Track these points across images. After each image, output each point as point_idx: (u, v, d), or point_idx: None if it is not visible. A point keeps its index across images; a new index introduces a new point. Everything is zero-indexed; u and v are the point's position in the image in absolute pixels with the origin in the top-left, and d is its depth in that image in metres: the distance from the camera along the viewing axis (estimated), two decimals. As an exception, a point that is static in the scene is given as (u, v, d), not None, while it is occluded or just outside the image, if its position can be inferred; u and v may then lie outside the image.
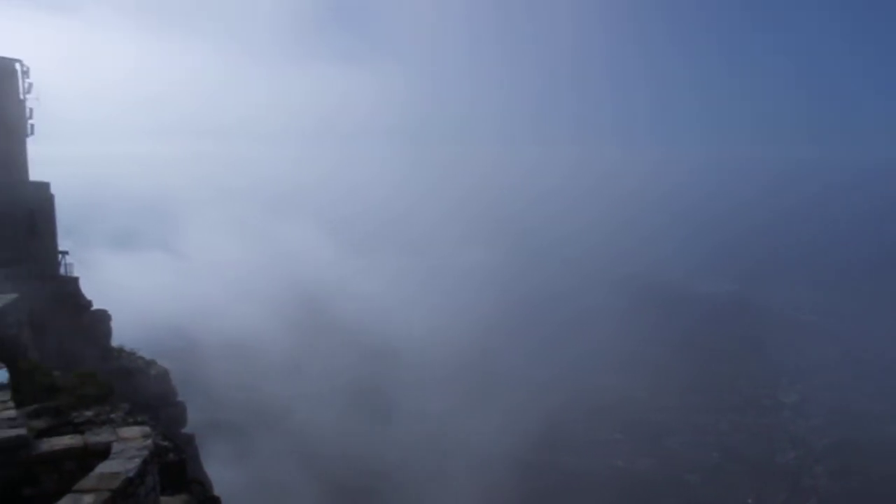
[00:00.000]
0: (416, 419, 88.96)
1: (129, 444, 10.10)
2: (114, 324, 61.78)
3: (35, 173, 57.96)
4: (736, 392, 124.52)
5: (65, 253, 60.22)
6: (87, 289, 60.61)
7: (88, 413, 14.59)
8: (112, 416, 14.50)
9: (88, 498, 8.40)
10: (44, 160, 60.37)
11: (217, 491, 21.58)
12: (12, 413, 11.17)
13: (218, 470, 48.97)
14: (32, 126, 57.55)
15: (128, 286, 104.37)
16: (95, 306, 60.49)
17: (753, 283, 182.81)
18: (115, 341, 59.49)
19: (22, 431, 10.36)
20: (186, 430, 51.66)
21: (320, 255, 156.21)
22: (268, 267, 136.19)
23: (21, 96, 56.98)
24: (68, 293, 55.19)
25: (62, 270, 58.49)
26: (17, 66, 56.80)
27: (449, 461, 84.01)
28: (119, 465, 9.37)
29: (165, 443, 13.66)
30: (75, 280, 59.38)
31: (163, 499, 10.69)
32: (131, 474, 9.11)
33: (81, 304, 57.81)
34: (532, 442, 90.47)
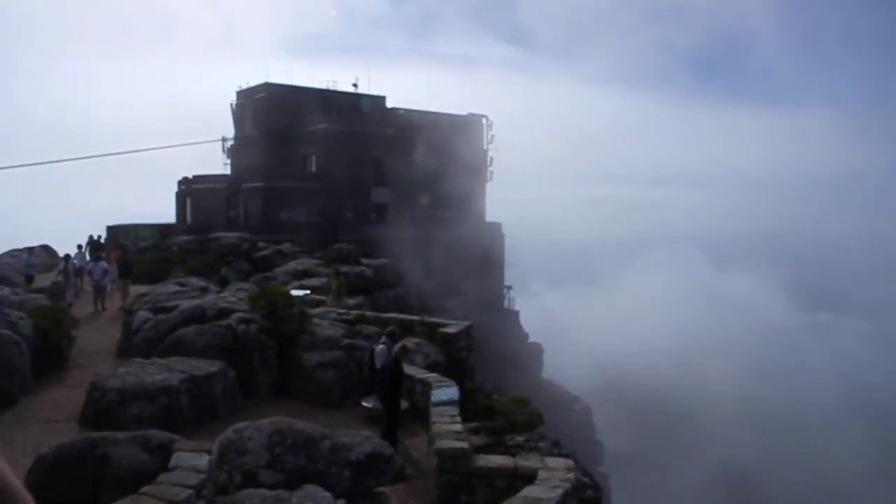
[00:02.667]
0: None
1: (553, 474, 10.65)
2: (545, 357, 65.87)
3: (490, 214, 65.08)
4: None
5: (509, 287, 66.29)
6: (525, 322, 65.75)
7: (519, 438, 15.79)
8: (540, 444, 15.52)
9: (515, 516, 9.07)
10: (497, 202, 66.93)
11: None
12: (458, 427, 12.56)
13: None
14: (491, 172, 64.87)
15: (563, 323, 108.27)
16: (531, 339, 65.36)
17: None
18: (545, 373, 63.37)
19: (465, 445, 11.60)
20: (602, 469, 52.54)
21: (768, 308, 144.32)
22: (706, 315, 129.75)
23: (484, 146, 64.66)
24: (510, 324, 60.50)
25: (506, 303, 64.44)
26: (483, 120, 64.66)
27: None
28: (543, 492, 9.89)
29: (585, 479, 14.18)
30: (516, 313, 64.95)
31: (578, 532, 11.03)
32: (553, 502, 9.58)
33: (520, 336, 62.92)
34: None
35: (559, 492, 9.92)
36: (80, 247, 32.26)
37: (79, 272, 28.95)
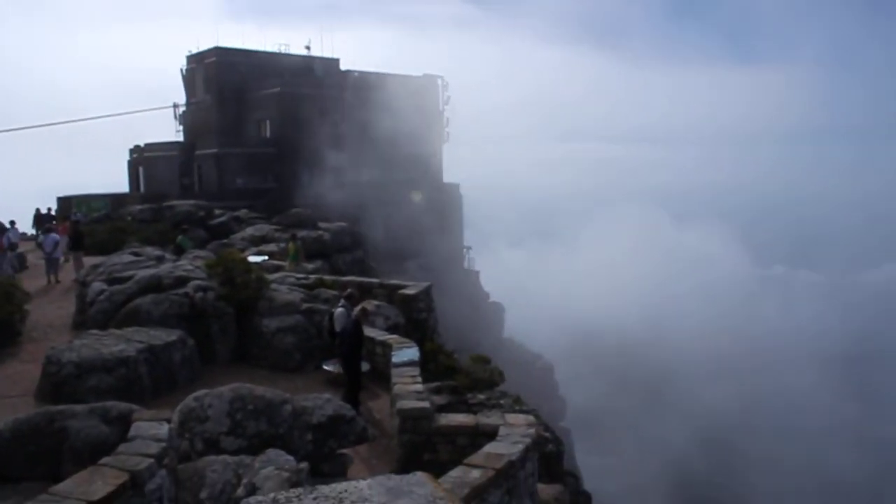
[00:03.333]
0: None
1: (514, 430, 10.80)
2: (507, 316, 66.47)
3: (448, 174, 64.90)
4: None
5: (468, 248, 66.49)
6: (486, 281, 66.14)
7: (481, 396, 16.00)
8: (501, 401, 15.75)
9: (476, 472, 9.18)
10: (455, 162, 66.83)
11: (586, 486, 22.13)
12: (419, 387, 12.68)
13: (588, 466, 49.65)
14: (448, 133, 64.57)
15: (524, 281, 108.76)
16: (492, 299, 65.83)
17: None
18: (507, 332, 64.00)
19: (426, 404, 11.72)
20: (564, 424, 53.50)
21: (725, 261, 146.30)
22: (665, 269, 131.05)
23: (440, 107, 64.25)
24: (470, 285, 60.83)
25: (465, 264, 64.68)
26: (439, 81, 64.15)
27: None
28: (504, 448, 10.03)
29: (546, 434, 14.46)
30: (476, 273, 65.24)
31: (539, 486, 11.25)
32: (514, 457, 9.72)
33: (480, 295, 63.33)
34: None
35: (520, 447, 10.08)
36: (12, 223, 31.36)
37: (12, 247, 28.27)
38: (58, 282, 25.31)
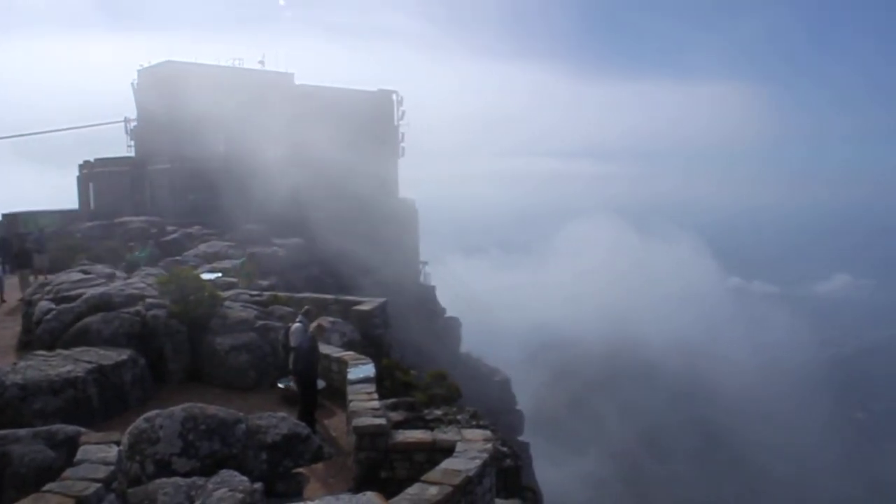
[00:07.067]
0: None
1: (471, 445, 10.77)
2: (463, 331, 66.36)
3: (402, 191, 64.81)
4: None
5: (424, 263, 66.32)
6: (442, 297, 65.99)
7: (438, 412, 15.92)
8: (458, 417, 15.70)
9: (433, 489, 9.12)
10: (410, 179, 66.78)
11: (545, 500, 22.14)
12: (376, 404, 12.58)
13: (547, 478, 49.72)
14: (403, 149, 64.49)
15: (481, 296, 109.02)
16: (448, 314, 65.69)
17: None
18: (464, 347, 63.89)
19: (383, 421, 11.63)
20: (522, 438, 53.48)
21: (691, 274, 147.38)
22: (625, 281, 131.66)
23: (395, 122, 64.19)
24: (426, 300, 60.64)
25: (421, 279, 64.50)
26: (394, 96, 64.13)
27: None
28: (461, 464, 10.00)
29: (504, 448, 14.43)
30: (432, 289, 65.07)
31: (497, 501, 11.22)
32: (471, 473, 9.68)
33: (436, 311, 63.16)
34: None
35: (477, 462, 10.05)
36: None
37: None
38: (3, 301, 24.64)
